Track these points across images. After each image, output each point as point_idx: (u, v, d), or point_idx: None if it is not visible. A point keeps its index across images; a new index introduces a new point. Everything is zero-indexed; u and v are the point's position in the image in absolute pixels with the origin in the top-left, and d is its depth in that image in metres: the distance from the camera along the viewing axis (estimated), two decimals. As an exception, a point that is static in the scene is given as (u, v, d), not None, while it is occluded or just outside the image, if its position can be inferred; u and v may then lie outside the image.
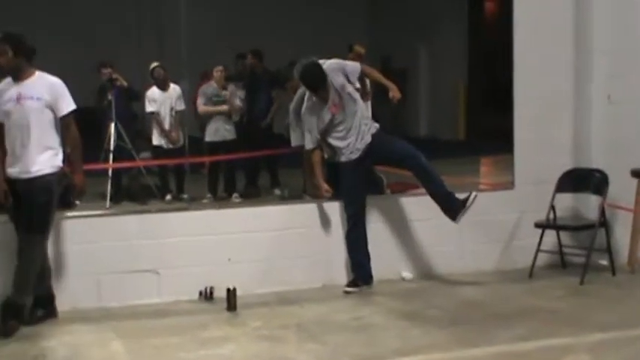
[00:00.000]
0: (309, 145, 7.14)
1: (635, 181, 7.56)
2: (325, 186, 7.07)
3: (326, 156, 8.23)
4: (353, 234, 7.07)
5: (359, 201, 7.07)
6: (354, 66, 7.16)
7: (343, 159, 7.05)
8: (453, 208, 6.91)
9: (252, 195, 10.76)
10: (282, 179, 10.96)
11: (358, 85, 7.38)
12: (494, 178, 9.13)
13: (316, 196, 7.33)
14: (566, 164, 7.79)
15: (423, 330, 5.96)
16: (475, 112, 17.52)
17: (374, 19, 19.30)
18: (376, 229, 7.31)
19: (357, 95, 7.11)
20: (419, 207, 7.47)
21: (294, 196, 9.70)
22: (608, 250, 7.44)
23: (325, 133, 7.06)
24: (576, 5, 7.84)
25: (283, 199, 10.02)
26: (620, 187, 7.53)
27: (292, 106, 8.40)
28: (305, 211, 7.36)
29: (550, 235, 7.59)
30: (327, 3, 18.50)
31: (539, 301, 6.71)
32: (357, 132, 6.99)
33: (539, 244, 7.45)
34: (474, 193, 6.90)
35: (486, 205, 7.66)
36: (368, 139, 7.00)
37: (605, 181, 7.42)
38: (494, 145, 9.63)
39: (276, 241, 7.10)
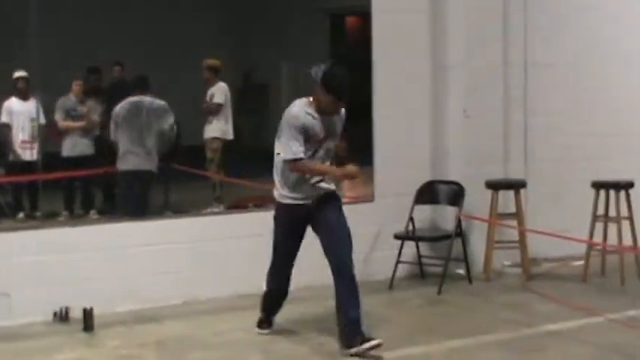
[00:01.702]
0: (298, 154, 5.64)
1: (489, 192, 7.79)
2: (346, 169, 5.77)
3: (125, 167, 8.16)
4: (269, 291, 6.17)
5: (283, 251, 6.02)
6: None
7: (285, 200, 5.84)
8: (351, 335, 5.62)
9: (111, 211, 10.48)
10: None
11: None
12: (355, 190, 9.23)
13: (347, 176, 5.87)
14: (425, 177, 7.95)
15: (286, 343, 5.94)
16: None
17: (236, 34, 19.25)
18: (238, 243, 7.25)
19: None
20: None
21: (154, 211, 9.50)
22: (465, 260, 7.63)
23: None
24: (432, 21, 8.03)
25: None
26: (475, 199, 7.74)
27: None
28: (164, 227, 7.24)
29: (409, 247, 7.71)
30: (188, 16, 18.34)
31: (399, 311, 6.81)
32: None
33: (399, 255, 7.57)
34: (379, 341, 5.57)
35: (348, 218, 7.71)
36: (319, 192, 5.82)
37: (461, 193, 7.62)
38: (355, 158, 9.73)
39: (135, 257, 6.93)
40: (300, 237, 5.92)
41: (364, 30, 8.35)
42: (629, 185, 7.78)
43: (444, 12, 7.98)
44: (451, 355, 5.62)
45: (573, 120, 8.67)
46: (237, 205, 9.67)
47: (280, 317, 6.42)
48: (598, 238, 7.79)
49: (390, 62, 7.90)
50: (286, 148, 5.68)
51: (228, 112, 10.84)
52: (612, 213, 7.73)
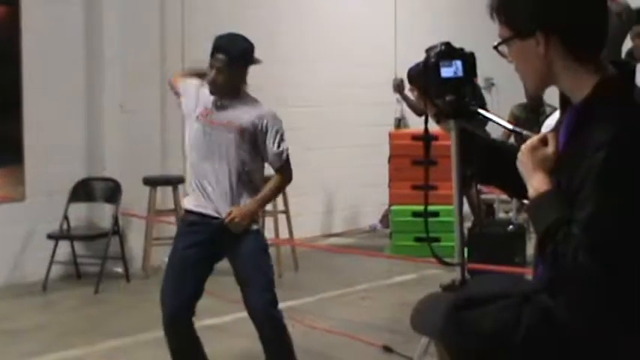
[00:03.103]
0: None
1: (147, 188, 7.71)
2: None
3: None
4: None
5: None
6: None
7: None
8: None
9: None
10: None
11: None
12: (4, 190, 8.70)
13: None
14: (80, 173, 7.71)
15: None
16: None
17: None
18: None
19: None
20: None
21: None
22: (122, 258, 7.49)
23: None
24: (87, 14, 7.80)
25: None
26: (134, 195, 7.65)
27: None
28: None
29: (65, 246, 7.44)
30: None
31: (53, 314, 6.52)
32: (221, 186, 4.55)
33: (53, 255, 7.26)
34: None
35: (-4, 219, 7.30)
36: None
37: (118, 190, 7.49)
38: (4, 156, 9.22)
39: None
40: None
41: (13, 21, 7.90)
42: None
43: (100, 6, 7.80)
44: (108, 356, 5.46)
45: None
46: None
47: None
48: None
49: (42, 54, 7.57)
50: None
51: None
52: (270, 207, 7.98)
